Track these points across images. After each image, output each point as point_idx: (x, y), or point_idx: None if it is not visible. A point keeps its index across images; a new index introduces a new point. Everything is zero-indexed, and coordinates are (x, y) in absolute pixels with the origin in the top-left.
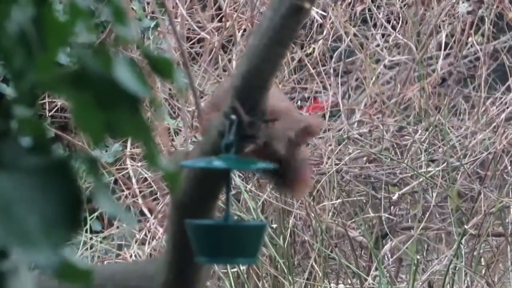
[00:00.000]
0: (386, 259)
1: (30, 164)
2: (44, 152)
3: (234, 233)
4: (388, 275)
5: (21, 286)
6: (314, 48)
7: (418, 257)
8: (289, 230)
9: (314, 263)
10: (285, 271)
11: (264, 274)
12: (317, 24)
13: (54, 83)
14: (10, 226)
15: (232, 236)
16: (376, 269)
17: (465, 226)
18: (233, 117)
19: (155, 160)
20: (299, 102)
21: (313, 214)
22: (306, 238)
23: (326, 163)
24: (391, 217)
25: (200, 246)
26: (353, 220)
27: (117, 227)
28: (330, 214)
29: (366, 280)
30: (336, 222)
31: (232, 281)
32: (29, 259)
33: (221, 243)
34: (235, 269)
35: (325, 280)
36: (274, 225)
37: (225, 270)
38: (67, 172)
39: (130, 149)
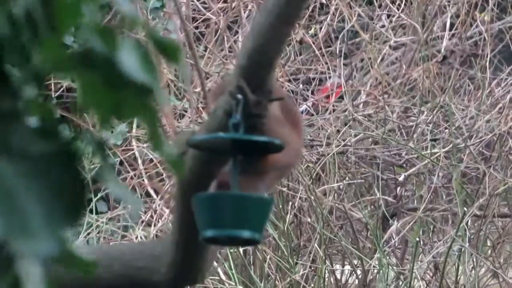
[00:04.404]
0: (392, 240)
1: (35, 149)
2: (51, 135)
3: (239, 203)
4: (389, 256)
5: (29, 270)
6: (316, 29)
7: (418, 238)
8: (289, 213)
9: (317, 246)
10: (286, 253)
11: (268, 256)
12: (320, 5)
13: (61, 63)
14: (11, 217)
15: (236, 206)
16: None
17: (465, 208)
18: (239, 96)
19: (159, 144)
20: (310, 90)
21: (312, 197)
22: (308, 220)
23: (330, 144)
24: (393, 200)
25: (205, 218)
26: (359, 201)
27: (124, 207)
28: (335, 195)
29: (368, 262)
30: (337, 204)
31: (232, 264)
32: (29, 250)
33: (226, 213)
34: (235, 250)
35: (326, 262)
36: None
37: (229, 252)
38: (72, 158)
39: (136, 130)
